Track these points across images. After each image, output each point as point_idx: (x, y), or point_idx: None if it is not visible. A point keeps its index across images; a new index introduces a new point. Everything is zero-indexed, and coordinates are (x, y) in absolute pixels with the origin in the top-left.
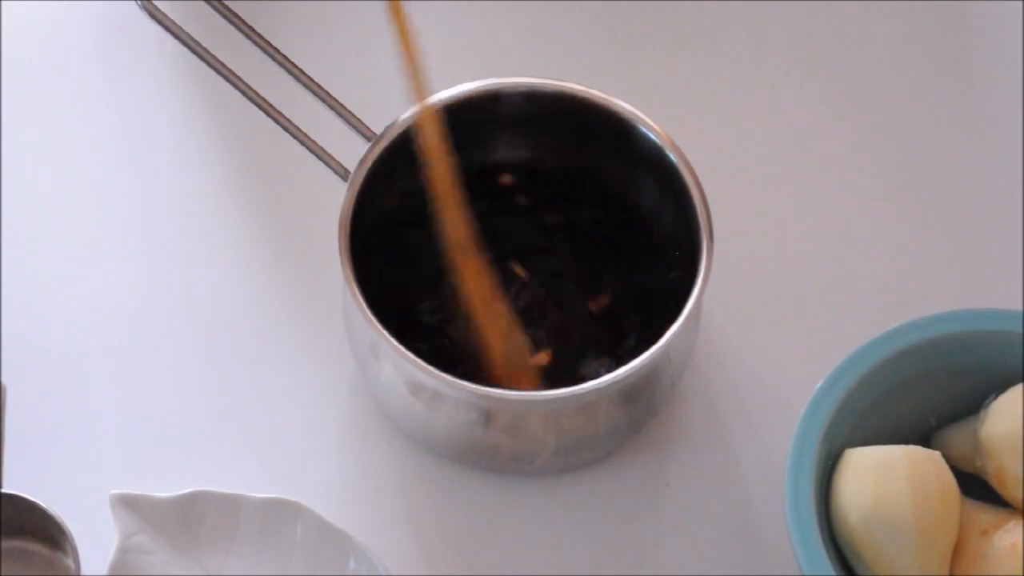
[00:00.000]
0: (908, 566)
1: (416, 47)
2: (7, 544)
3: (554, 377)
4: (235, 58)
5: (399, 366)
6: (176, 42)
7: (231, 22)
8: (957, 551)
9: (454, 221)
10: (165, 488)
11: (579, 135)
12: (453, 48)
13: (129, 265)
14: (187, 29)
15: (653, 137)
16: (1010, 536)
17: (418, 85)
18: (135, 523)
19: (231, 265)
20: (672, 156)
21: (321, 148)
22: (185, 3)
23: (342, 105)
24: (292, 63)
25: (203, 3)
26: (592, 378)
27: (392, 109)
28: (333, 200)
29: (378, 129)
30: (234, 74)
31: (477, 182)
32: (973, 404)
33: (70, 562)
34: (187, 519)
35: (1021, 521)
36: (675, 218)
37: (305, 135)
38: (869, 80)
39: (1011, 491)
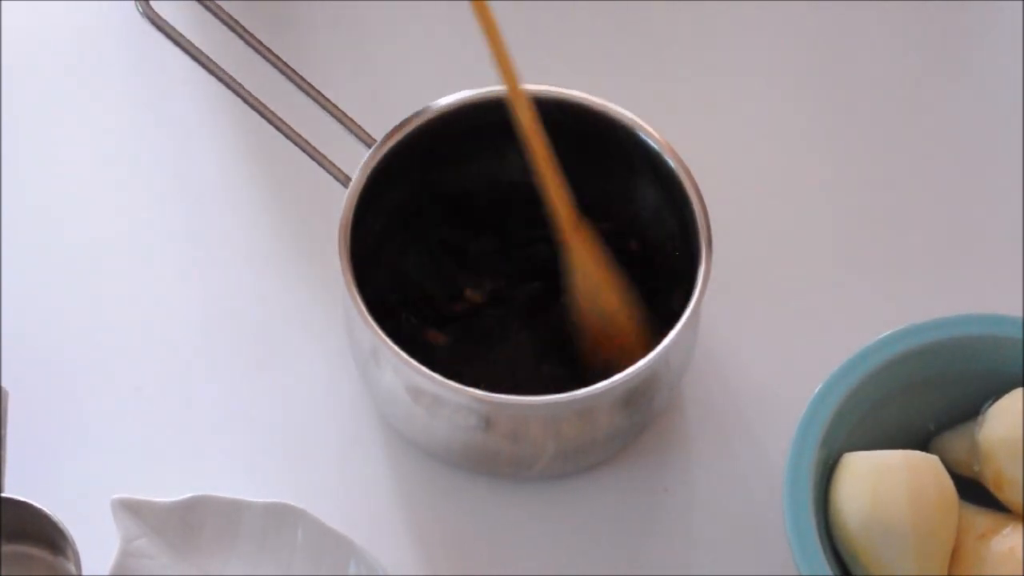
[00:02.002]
0: (906, 570)
1: (503, 41)
2: (8, 548)
3: (553, 382)
4: (236, 65)
5: (399, 371)
6: (176, 47)
7: (232, 29)
8: (955, 555)
9: (558, 198)
10: (166, 493)
11: (579, 142)
12: (454, 55)
13: (130, 270)
14: (188, 36)
15: (653, 144)
16: (1008, 540)
17: (510, 77)
18: (136, 528)
19: (232, 270)
20: (671, 163)
21: (322, 154)
22: (185, 10)
23: (342, 111)
24: (293, 70)
25: (204, 10)
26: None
27: (392, 115)
28: (334, 206)
29: (378, 135)
30: (235, 80)
31: (476, 189)
32: (971, 409)
33: (71, 566)
34: (188, 524)
35: (1019, 525)
36: (674, 224)
37: (306, 141)
38: (869, 85)
39: (1009, 495)
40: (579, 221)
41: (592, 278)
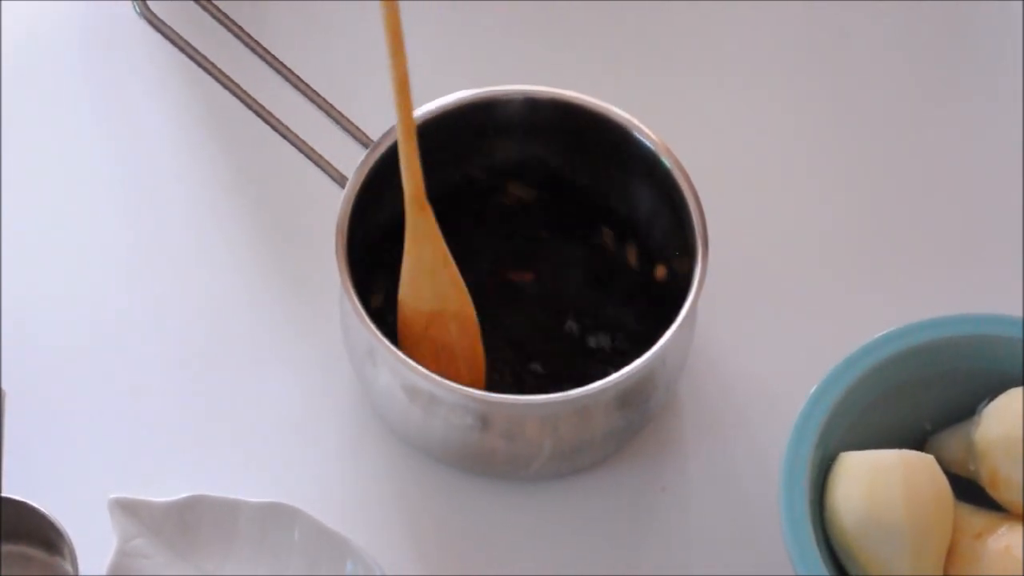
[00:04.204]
0: (902, 570)
1: (404, 50)
2: (6, 548)
3: (550, 382)
4: (232, 65)
5: (396, 371)
6: (173, 48)
7: (229, 29)
8: (951, 555)
9: (412, 173)
10: (163, 492)
11: (575, 142)
12: (450, 55)
13: (128, 270)
14: (184, 35)
15: (648, 144)
16: (1004, 539)
17: (403, 88)
18: (133, 527)
19: (229, 271)
20: (667, 162)
21: (318, 155)
22: (182, 9)
23: (339, 112)
24: (289, 70)
25: (200, 10)
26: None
27: (389, 116)
28: (330, 206)
29: (375, 136)
30: (232, 81)
31: (474, 189)
32: (967, 408)
33: (68, 566)
34: (185, 523)
35: (1014, 525)
36: (671, 224)
37: (302, 141)
38: (865, 84)
39: (1004, 494)
40: (425, 203)
41: (426, 262)
